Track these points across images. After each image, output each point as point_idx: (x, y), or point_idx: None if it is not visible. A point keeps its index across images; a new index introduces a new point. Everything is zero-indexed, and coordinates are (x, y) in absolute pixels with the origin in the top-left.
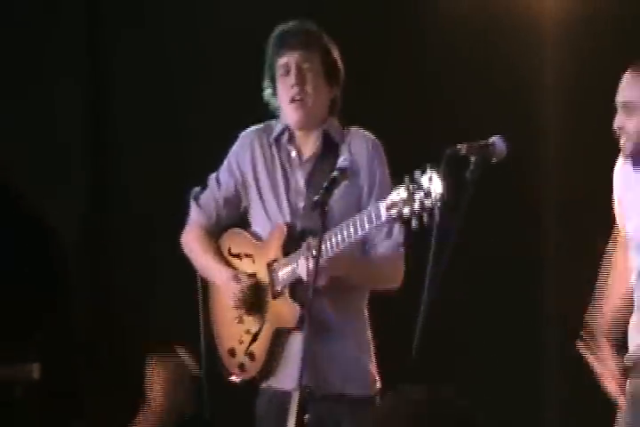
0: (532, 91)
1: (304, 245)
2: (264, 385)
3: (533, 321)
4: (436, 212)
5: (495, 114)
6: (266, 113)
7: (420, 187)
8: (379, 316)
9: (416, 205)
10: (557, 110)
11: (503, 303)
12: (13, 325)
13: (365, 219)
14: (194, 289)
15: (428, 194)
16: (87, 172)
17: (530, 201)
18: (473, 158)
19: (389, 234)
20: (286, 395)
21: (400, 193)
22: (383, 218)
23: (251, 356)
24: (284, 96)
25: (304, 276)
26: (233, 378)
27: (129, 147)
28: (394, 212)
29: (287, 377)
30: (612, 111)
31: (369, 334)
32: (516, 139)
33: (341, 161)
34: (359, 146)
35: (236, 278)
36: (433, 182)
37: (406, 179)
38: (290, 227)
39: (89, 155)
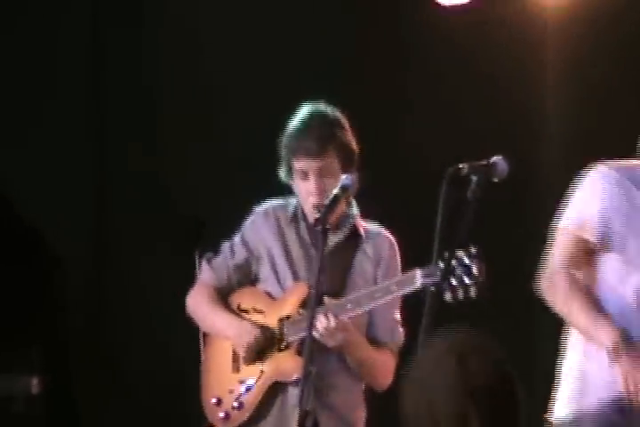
0: (534, 110)
1: (324, 305)
2: None
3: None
4: (472, 289)
5: (497, 133)
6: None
7: (461, 263)
8: None
9: (454, 281)
10: (561, 132)
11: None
12: (11, 336)
13: (395, 284)
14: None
15: (468, 272)
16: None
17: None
18: (474, 178)
19: (394, 334)
20: None
21: (440, 265)
22: (418, 284)
23: (240, 405)
24: (303, 194)
25: (322, 336)
26: None
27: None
28: (429, 281)
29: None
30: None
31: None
32: (517, 159)
33: (344, 179)
34: (379, 242)
35: (252, 329)
36: (474, 261)
37: (447, 253)
38: (310, 287)
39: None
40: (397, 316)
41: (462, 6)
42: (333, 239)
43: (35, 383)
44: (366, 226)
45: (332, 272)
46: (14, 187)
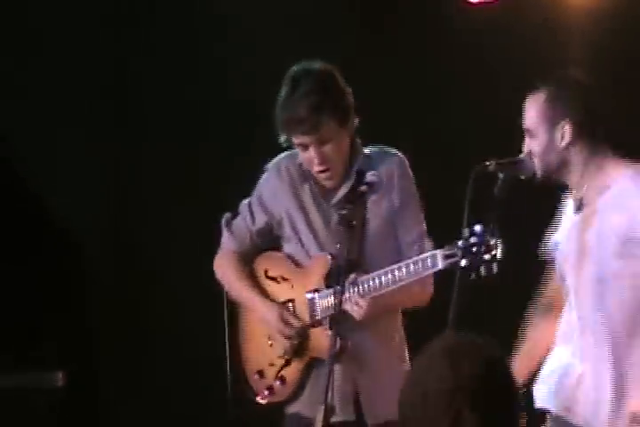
0: None
1: (349, 280)
2: (292, 411)
3: None
4: (494, 265)
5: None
6: None
7: (481, 241)
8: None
9: (476, 259)
10: None
11: None
12: (36, 331)
13: (420, 264)
14: (216, 296)
15: (488, 249)
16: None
17: None
18: (501, 175)
19: (421, 250)
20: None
21: (460, 244)
22: (440, 266)
23: (282, 380)
24: (306, 162)
25: (352, 312)
26: (259, 399)
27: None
28: (452, 261)
29: (318, 406)
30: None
31: (406, 355)
32: None
33: (370, 175)
34: (387, 164)
35: (287, 322)
36: (494, 237)
37: (466, 231)
38: (333, 258)
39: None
40: (423, 227)
41: (489, 3)
42: (341, 193)
43: (60, 377)
44: (371, 153)
45: (350, 225)
46: (33, 178)
